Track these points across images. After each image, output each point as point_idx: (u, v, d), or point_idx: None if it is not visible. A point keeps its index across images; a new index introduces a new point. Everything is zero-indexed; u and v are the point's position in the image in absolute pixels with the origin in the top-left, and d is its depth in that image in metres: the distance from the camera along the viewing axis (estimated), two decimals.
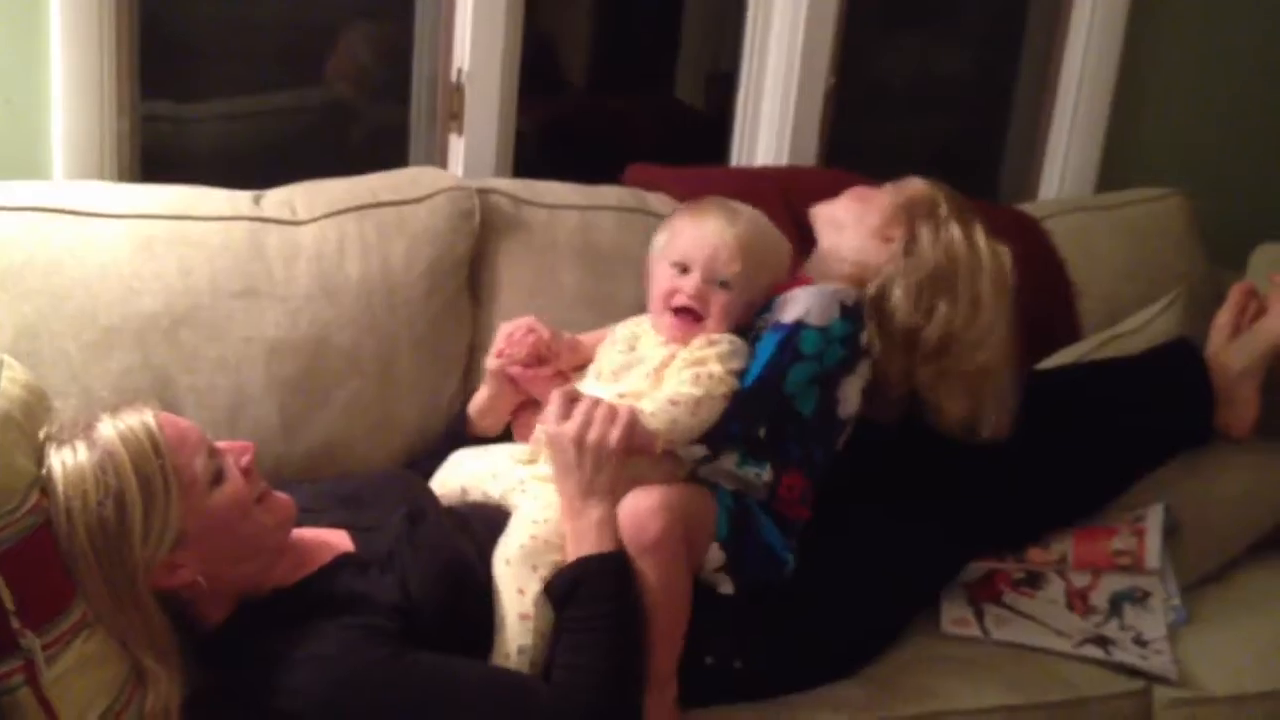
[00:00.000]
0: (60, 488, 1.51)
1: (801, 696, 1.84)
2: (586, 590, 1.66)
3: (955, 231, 1.98)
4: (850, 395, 1.87)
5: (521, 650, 1.66)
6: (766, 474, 1.82)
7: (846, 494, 1.93)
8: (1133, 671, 1.95)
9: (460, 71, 2.38)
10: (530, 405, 1.96)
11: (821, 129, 2.65)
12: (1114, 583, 2.05)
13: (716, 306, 1.85)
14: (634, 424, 1.71)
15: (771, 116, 2.63)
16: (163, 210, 2.00)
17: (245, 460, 1.65)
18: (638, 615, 1.68)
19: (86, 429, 1.55)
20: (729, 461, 1.81)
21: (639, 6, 3.46)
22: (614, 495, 1.71)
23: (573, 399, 1.73)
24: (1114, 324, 2.43)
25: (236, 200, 2.07)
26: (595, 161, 2.50)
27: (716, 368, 1.79)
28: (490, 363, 1.96)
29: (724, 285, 1.85)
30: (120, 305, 1.92)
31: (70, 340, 1.89)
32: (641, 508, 1.71)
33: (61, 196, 1.97)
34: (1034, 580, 2.06)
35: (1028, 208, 2.66)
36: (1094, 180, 2.84)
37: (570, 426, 1.70)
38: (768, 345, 1.82)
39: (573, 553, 1.69)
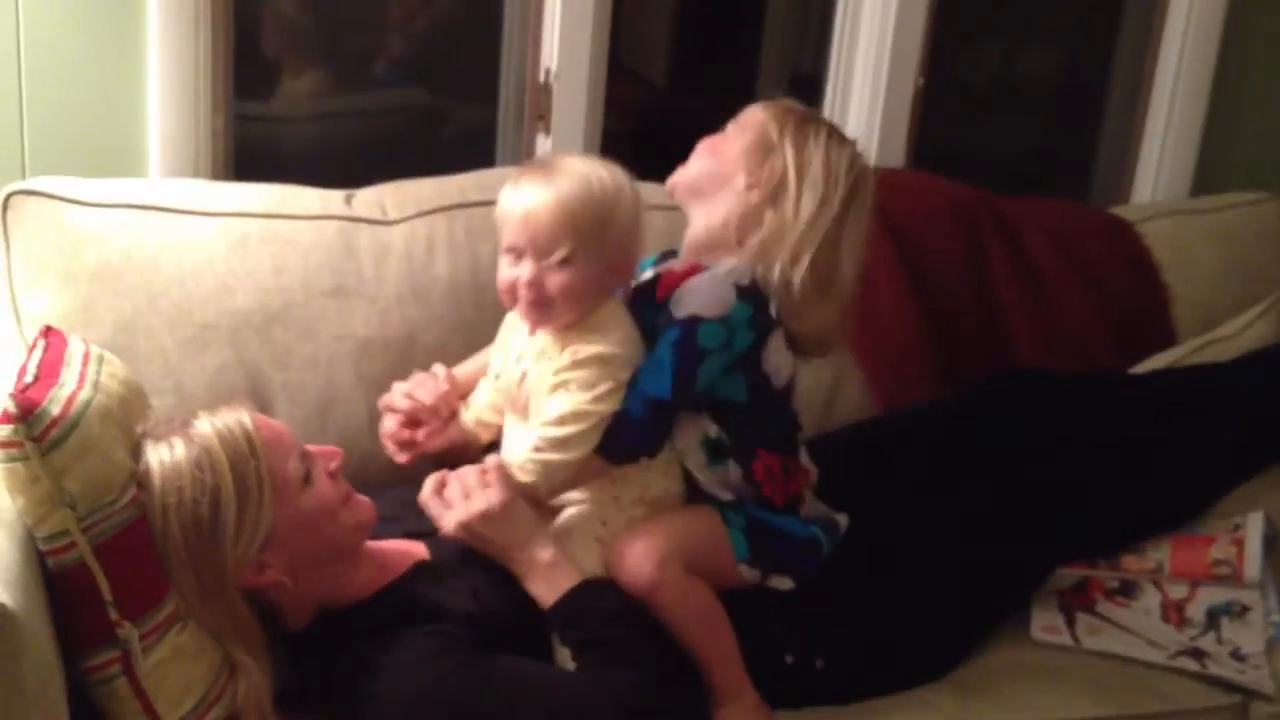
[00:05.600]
0: (157, 483, 1.53)
1: (887, 700, 1.82)
2: (582, 628, 1.65)
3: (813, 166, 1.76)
4: (778, 364, 1.77)
5: None
6: (734, 469, 1.77)
7: (936, 496, 1.91)
8: (1229, 685, 1.91)
9: (548, 72, 2.39)
10: None
11: (910, 131, 2.63)
12: (1212, 595, 2.00)
13: (558, 290, 1.65)
14: (507, 479, 1.67)
15: (859, 118, 2.61)
16: (256, 209, 2.03)
17: (333, 465, 1.68)
18: (636, 618, 1.66)
19: (183, 426, 1.58)
20: (701, 471, 1.77)
21: (721, 8, 3.45)
22: (542, 527, 1.69)
23: (441, 487, 1.69)
24: (1209, 329, 2.40)
25: (328, 199, 2.09)
26: (680, 161, 2.49)
27: (581, 398, 1.66)
28: (400, 459, 1.88)
29: (563, 264, 1.65)
30: (215, 302, 1.95)
31: (166, 336, 1.93)
32: (630, 557, 1.69)
33: (158, 194, 2.00)
34: (1128, 589, 2.02)
35: (1121, 211, 2.62)
36: (1189, 183, 2.79)
37: (455, 517, 1.66)
38: (666, 350, 1.69)
39: (550, 601, 1.66)
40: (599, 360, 1.67)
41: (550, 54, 2.38)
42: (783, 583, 1.79)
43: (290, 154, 2.52)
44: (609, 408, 1.67)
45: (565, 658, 1.66)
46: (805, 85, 2.79)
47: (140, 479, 1.53)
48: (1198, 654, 1.93)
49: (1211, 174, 2.78)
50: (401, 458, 1.87)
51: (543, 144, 2.42)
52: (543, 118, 2.41)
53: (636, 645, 1.64)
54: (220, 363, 1.94)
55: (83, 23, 2.07)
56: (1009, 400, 2.12)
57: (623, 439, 1.69)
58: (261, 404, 1.89)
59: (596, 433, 1.67)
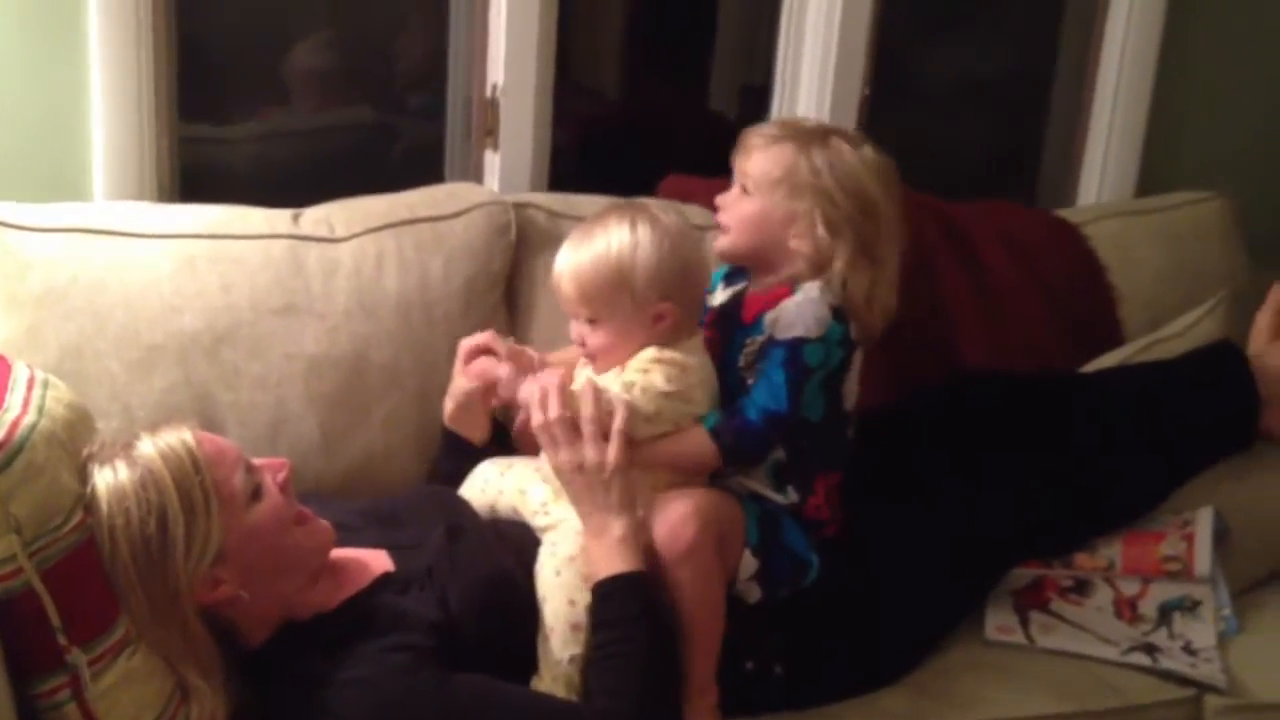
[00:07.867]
0: (104, 506, 1.52)
1: (845, 704, 1.83)
2: (615, 612, 1.65)
3: (833, 186, 1.85)
4: (851, 388, 1.87)
5: (573, 659, 1.65)
6: (792, 496, 1.83)
7: (890, 499, 1.92)
8: (1181, 680, 1.92)
9: (495, 87, 2.39)
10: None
11: None
12: (1163, 591, 2.02)
13: (595, 347, 1.80)
14: (627, 446, 1.69)
15: None
16: (203, 229, 2.02)
17: (281, 477, 1.67)
18: (666, 629, 1.67)
19: (126, 448, 1.57)
20: (757, 482, 1.82)
21: (672, 21, 3.47)
22: (632, 506, 1.70)
23: (557, 415, 1.70)
24: (1156, 329, 2.41)
25: (275, 219, 2.08)
26: (631, 174, 2.50)
27: (660, 381, 1.75)
28: (461, 385, 1.92)
29: (591, 324, 1.79)
30: (162, 324, 1.94)
31: (113, 359, 1.91)
32: (674, 516, 1.71)
33: (104, 217, 1.99)
34: (1082, 588, 2.04)
35: (1067, 213, 2.63)
36: (1134, 184, 2.81)
37: (565, 457, 1.69)
38: (775, 368, 1.78)
39: (600, 573, 1.67)
40: (680, 364, 1.77)
41: (496, 69, 2.38)
42: (752, 592, 1.80)
43: (238, 175, 2.51)
44: (683, 408, 1.76)
45: (559, 659, 1.65)
46: (755, 96, 2.80)
47: (87, 503, 1.52)
48: (1150, 649, 1.95)
49: (1156, 174, 2.80)
50: (472, 389, 1.91)
51: (491, 159, 2.42)
52: (491, 133, 2.41)
53: (645, 660, 1.63)
54: (168, 384, 1.93)
55: (22, 45, 2.06)
56: (961, 402, 2.14)
57: (744, 449, 1.79)
58: (211, 425, 1.88)
59: (672, 423, 1.76)
